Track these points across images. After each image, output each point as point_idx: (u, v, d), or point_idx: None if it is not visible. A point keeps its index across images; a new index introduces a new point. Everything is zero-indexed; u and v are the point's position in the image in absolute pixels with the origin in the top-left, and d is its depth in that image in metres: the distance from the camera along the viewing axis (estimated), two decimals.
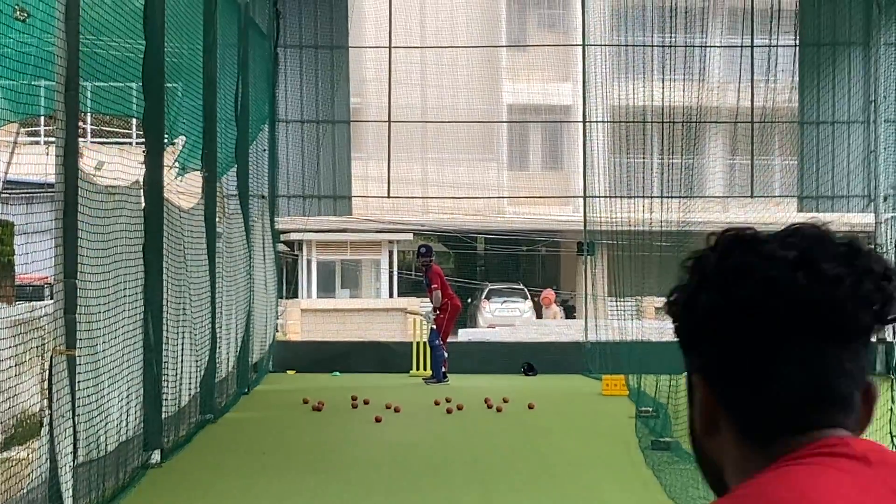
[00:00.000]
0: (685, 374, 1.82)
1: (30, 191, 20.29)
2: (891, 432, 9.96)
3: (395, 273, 42.92)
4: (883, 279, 1.69)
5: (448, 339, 22.84)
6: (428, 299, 22.90)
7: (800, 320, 1.68)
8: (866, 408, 1.75)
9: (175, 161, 14.64)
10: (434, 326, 22.29)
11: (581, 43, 26.46)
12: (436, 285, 22.22)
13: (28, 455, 11.21)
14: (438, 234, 42.54)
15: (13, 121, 10.62)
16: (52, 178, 10.16)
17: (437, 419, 17.44)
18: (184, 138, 15.39)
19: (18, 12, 8.86)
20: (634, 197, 20.93)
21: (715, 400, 1.76)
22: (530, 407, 18.33)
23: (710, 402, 1.77)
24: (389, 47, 26.85)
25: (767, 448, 1.71)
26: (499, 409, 18.12)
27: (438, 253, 51.26)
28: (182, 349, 14.68)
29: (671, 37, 22.92)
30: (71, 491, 9.77)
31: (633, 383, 18.36)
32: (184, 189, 15.40)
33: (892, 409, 10.02)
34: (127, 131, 17.34)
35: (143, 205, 12.71)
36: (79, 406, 10.09)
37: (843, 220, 28.29)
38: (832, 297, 1.67)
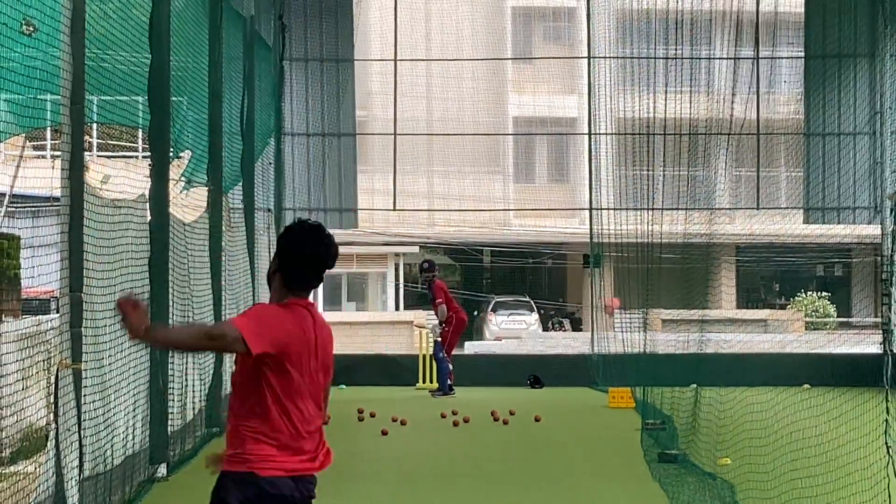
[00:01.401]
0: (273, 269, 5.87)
1: (36, 204, 20.33)
2: (886, 443, 9.95)
3: (402, 286, 42.91)
4: (332, 255, 6.03)
5: (454, 352, 22.81)
6: (434, 313, 22.88)
7: (307, 261, 5.92)
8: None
9: (181, 175, 14.62)
10: (439, 339, 22.28)
11: (586, 55, 26.44)
12: (440, 299, 22.20)
13: (35, 469, 11.20)
14: (444, 247, 42.56)
15: (18, 133, 10.61)
16: (57, 192, 10.15)
17: (443, 432, 17.41)
18: (189, 152, 15.39)
19: (25, 26, 8.87)
20: (640, 209, 20.91)
21: (278, 272, 5.94)
22: (537, 419, 18.30)
23: (279, 277, 5.93)
24: (395, 60, 26.87)
25: (289, 293, 5.90)
26: (505, 422, 18.09)
27: (444, 265, 51.26)
28: (187, 363, 14.68)
29: (676, 49, 22.93)
30: None
31: (640, 395, 18.32)
32: (187, 202, 15.39)
33: (886, 421, 10.02)
34: (133, 145, 17.33)
35: (149, 218, 12.70)
36: (85, 420, 10.08)
37: (849, 231, 28.28)
38: (329, 254, 6.00)
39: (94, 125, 10.90)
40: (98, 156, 15.66)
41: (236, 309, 18.40)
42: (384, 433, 16.75)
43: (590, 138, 26.12)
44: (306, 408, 5.74)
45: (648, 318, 21.50)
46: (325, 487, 12.77)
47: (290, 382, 5.68)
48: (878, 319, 26.08)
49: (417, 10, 31.43)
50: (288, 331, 5.68)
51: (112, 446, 11.22)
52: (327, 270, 5.96)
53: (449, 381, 22.02)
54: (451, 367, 22.15)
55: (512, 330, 39.48)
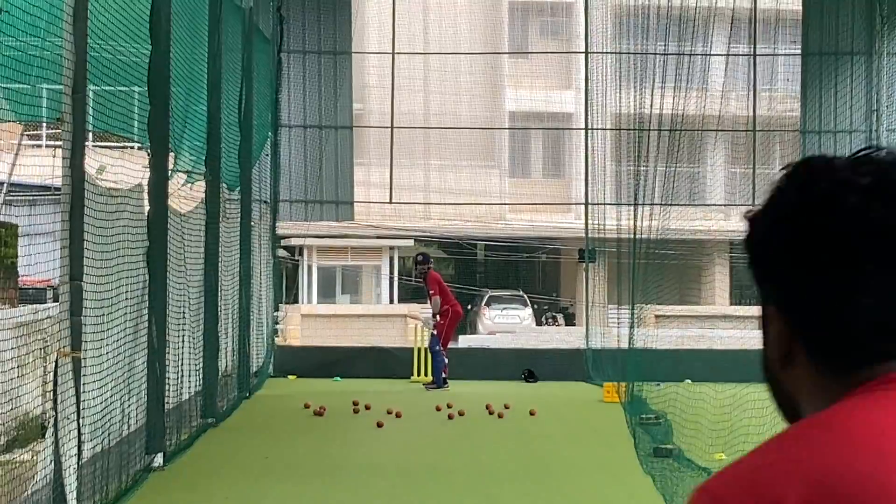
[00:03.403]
0: (760, 306, 1.78)
1: (33, 194, 20.33)
2: None
3: (396, 279, 42.93)
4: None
5: (449, 346, 22.85)
6: (429, 305, 22.92)
7: (876, 249, 1.65)
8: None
9: (175, 165, 14.62)
10: (434, 332, 22.31)
11: (583, 50, 26.47)
12: (433, 291, 22.24)
13: (31, 457, 11.23)
14: (439, 241, 42.55)
15: (15, 120, 10.63)
16: (56, 181, 10.17)
17: (438, 425, 17.45)
18: (188, 143, 15.41)
19: None
20: (636, 204, 20.94)
21: (791, 331, 1.73)
22: (531, 413, 18.34)
23: (785, 334, 1.74)
24: (392, 53, 26.89)
25: (842, 378, 1.69)
26: (500, 416, 18.13)
27: (439, 259, 51.27)
28: (183, 353, 14.71)
29: (674, 45, 22.95)
30: (75, 493, 9.78)
31: (633, 391, 18.35)
32: (183, 193, 15.41)
33: None
34: (130, 134, 17.35)
35: (147, 208, 12.73)
36: (84, 408, 10.10)
37: None
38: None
39: (91, 114, 10.92)
40: (94, 146, 15.66)
41: (231, 301, 18.43)
42: (379, 425, 16.78)
43: (586, 133, 26.16)
44: None
45: (643, 313, 21.53)
46: (321, 479, 12.82)
47: None
48: None
49: (415, 3, 31.41)
50: None
51: (109, 435, 11.25)
52: None
53: (444, 375, 22.06)
54: (446, 360, 22.19)
55: (506, 324, 39.50)
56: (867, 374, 1.67)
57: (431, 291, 22.27)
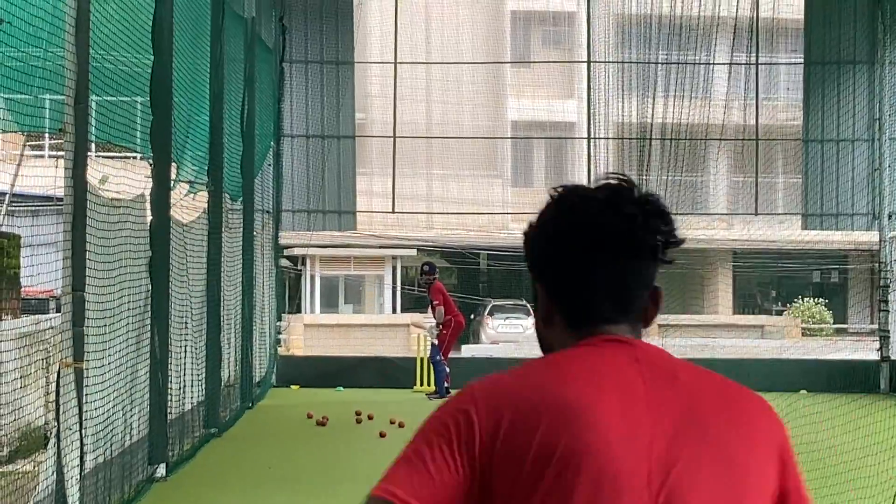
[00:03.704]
0: (533, 286, 2.58)
1: (36, 204, 20.35)
2: None
3: (399, 288, 42.92)
4: (664, 217, 2.46)
5: (450, 355, 22.83)
6: (432, 315, 22.91)
7: (607, 245, 2.44)
8: (653, 304, 2.56)
9: (177, 175, 14.62)
10: (435, 342, 22.30)
11: (586, 60, 26.48)
12: (437, 301, 22.24)
13: (33, 468, 11.21)
14: (442, 250, 42.55)
15: (18, 131, 10.64)
16: (58, 192, 10.16)
17: None
18: (191, 153, 15.42)
19: None
20: None
21: (550, 300, 2.54)
22: None
23: (546, 302, 2.55)
24: (395, 63, 26.90)
25: (578, 334, 2.49)
26: None
27: (441, 269, 51.26)
28: (185, 363, 14.70)
29: (676, 54, 22.97)
30: None
31: None
32: (186, 203, 15.41)
33: None
34: (132, 145, 17.39)
35: (150, 218, 12.73)
36: (86, 419, 10.09)
37: (846, 237, 28.31)
38: (628, 228, 2.43)
39: (94, 124, 10.92)
40: (97, 156, 15.68)
41: (234, 311, 18.42)
42: (382, 435, 16.76)
43: (588, 143, 26.16)
44: None
45: None
46: (324, 489, 12.80)
47: None
48: (875, 326, 26.12)
49: (417, 13, 31.45)
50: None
51: (112, 446, 11.24)
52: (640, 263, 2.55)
53: (446, 384, 22.05)
54: (448, 369, 22.18)
55: (508, 334, 39.50)
56: (590, 331, 2.48)
57: (436, 302, 22.27)
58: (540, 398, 2.32)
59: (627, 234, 2.42)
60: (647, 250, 2.44)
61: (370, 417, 18.57)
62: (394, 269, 42.77)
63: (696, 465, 2.29)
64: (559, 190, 2.51)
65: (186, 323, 14.75)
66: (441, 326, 22.22)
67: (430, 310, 22.81)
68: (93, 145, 11.59)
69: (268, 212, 22.72)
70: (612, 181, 2.47)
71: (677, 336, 27.96)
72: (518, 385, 2.38)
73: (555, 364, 2.42)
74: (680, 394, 2.39)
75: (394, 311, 42.12)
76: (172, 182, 13.72)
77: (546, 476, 2.27)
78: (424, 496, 2.37)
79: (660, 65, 22.48)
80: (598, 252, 2.44)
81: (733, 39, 25.36)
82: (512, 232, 37.62)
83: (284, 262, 29.60)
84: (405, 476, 2.47)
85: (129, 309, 11.91)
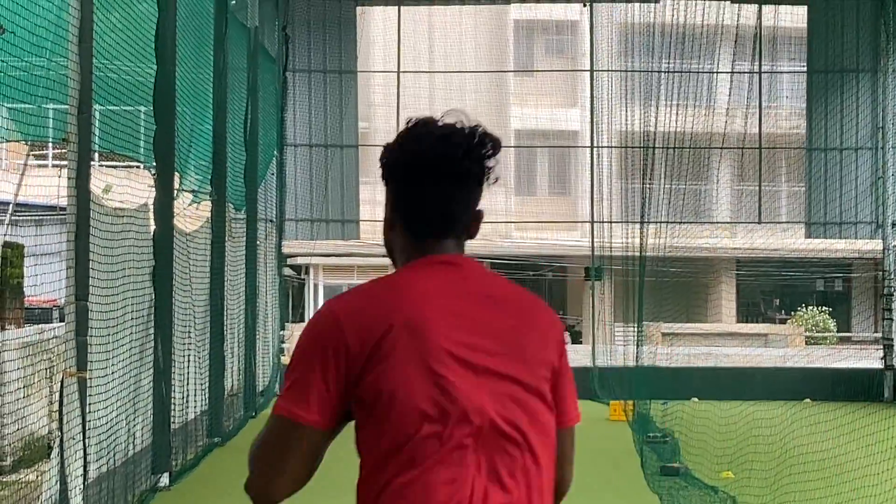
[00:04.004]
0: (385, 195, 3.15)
1: (39, 213, 20.36)
2: None
3: None
4: (485, 146, 3.07)
5: None
6: None
7: (437, 171, 3.05)
8: (475, 222, 3.16)
9: (180, 184, 14.63)
10: None
11: (589, 68, 26.50)
12: None
13: (37, 477, 11.21)
14: None
15: (21, 140, 10.64)
16: (62, 201, 10.16)
17: None
18: (194, 163, 15.43)
19: None
20: (642, 222, 20.95)
21: (394, 211, 3.14)
22: None
23: (391, 212, 3.16)
24: (398, 72, 26.91)
25: (415, 243, 3.12)
26: None
27: None
28: (189, 372, 14.70)
29: (679, 62, 22.96)
30: None
31: (639, 409, 18.32)
32: (189, 212, 15.42)
33: None
34: (136, 154, 17.43)
35: (153, 228, 12.73)
36: (89, 428, 10.09)
37: (850, 246, 28.29)
38: (454, 155, 3.03)
39: (97, 134, 10.94)
40: (100, 165, 15.69)
41: (237, 321, 18.42)
42: None
43: (592, 151, 26.16)
44: None
45: (648, 331, 21.50)
46: (329, 498, 12.79)
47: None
48: (879, 334, 26.10)
49: (420, 22, 31.45)
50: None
51: (115, 455, 11.23)
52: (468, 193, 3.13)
53: None
54: None
55: None
56: (423, 245, 3.11)
57: None
58: (389, 317, 2.90)
59: (454, 162, 3.03)
60: (471, 177, 3.06)
61: None
62: None
63: (504, 352, 3.01)
64: (412, 121, 3.16)
65: (190, 332, 14.75)
66: None
67: None
68: (96, 155, 11.59)
69: (271, 221, 22.73)
70: (451, 119, 3.10)
71: (681, 344, 27.94)
72: (373, 307, 2.93)
73: (397, 288, 2.99)
74: (494, 305, 3.05)
75: None
76: (176, 191, 13.72)
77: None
78: (318, 410, 2.94)
79: (662, 73, 22.44)
80: (430, 176, 3.05)
81: (735, 48, 25.36)
82: (515, 241, 37.62)
83: (288, 272, 29.60)
84: (300, 397, 2.94)
85: (132, 318, 11.91)
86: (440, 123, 3.10)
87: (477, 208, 3.14)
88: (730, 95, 25.36)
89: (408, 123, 3.15)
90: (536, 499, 3.10)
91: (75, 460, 9.72)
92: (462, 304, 2.99)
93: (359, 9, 25.42)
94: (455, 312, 2.97)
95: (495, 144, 3.11)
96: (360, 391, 2.90)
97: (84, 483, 9.91)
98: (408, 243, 3.12)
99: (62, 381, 9.74)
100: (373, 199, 28.20)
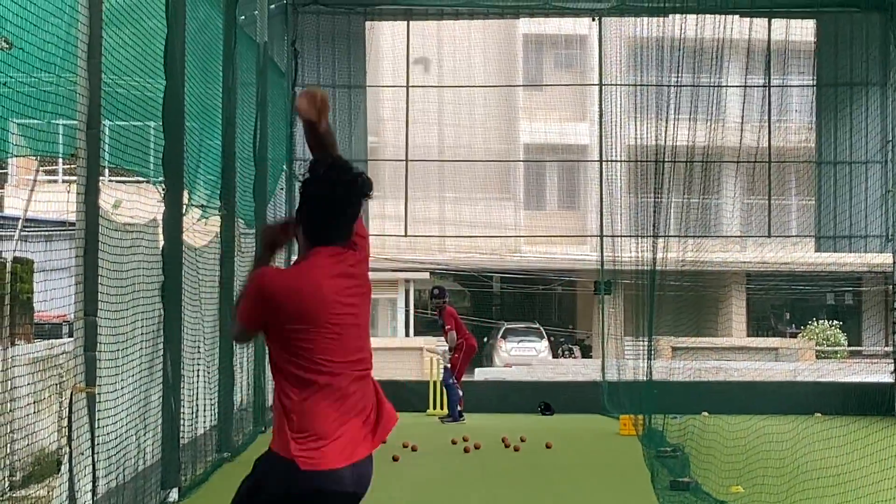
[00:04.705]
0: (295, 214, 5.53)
1: (49, 229, 20.38)
2: None
3: (412, 312, 42.89)
4: (366, 189, 5.47)
5: (464, 379, 22.80)
6: (444, 339, 22.87)
7: (334, 204, 5.45)
8: (359, 236, 5.59)
9: (190, 199, 14.63)
10: (448, 366, 22.26)
11: (598, 82, 26.51)
12: (450, 326, 22.19)
13: (47, 493, 11.20)
14: (455, 273, 42.55)
15: (31, 156, 10.65)
16: (71, 217, 10.18)
17: (454, 458, 17.40)
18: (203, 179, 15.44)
19: (2, 42, 8.87)
20: (651, 236, 20.93)
21: (302, 223, 5.53)
22: (548, 446, 18.28)
23: (298, 227, 5.55)
24: (407, 86, 26.94)
25: (310, 247, 5.53)
26: (516, 449, 18.07)
27: (454, 292, 51.20)
28: (198, 387, 14.70)
29: (688, 76, 22.95)
30: None
31: (650, 423, 18.29)
32: (198, 227, 15.43)
33: None
34: (145, 170, 17.46)
35: (162, 243, 12.74)
36: (98, 443, 10.09)
37: (860, 259, 28.24)
38: (344, 194, 5.44)
39: (106, 149, 10.95)
40: (110, 180, 15.71)
41: None
42: (395, 459, 16.74)
43: (601, 165, 26.16)
44: None
45: (658, 345, 21.46)
46: None
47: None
48: (889, 348, 26.04)
49: (429, 36, 31.51)
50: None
51: (124, 470, 11.23)
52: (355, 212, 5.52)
53: (459, 408, 22.02)
54: (461, 393, 22.15)
55: (522, 357, 39.45)
56: (317, 248, 5.51)
57: (448, 326, 22.22)
58: (295, 285, 5.41)
59: (344, 199, 5.43)
60: (355, 206, 5.42)
61: (383, 441, 18.52)
62: (407, 292, 42.76)
63: (353, 308, 5.55)
64: (323, 163, 5.61)
65: (199, 347, 14.76)
66: (453, 350, 22.18)
67: (442, 333, 22.76)
68: (106, 170, 11.61)
69: None
70: (345, 166, 5.51)
71: (691, 358, 27.91)
72: (287, 279, 5.46)
73: (301, 268, 5.48)
74: (348, 274, 5.55)
75: (407, 334, 42.10)
76: (185, 206, 13.73)
77: (297, 324, 5.41)
78: (257, 327, 5.55)
79: (672, 87, 22.43)
80: (329, 207, 5.45)
81: (746, 62, 25.36)
82: (525, 255, 37.62)
83: None
84: (247, 318, 5.56)
85: (141, 333, 11.92)
86: (338, 168, 5.52)
87: (357, 223, 5.62)
88: (743, 110, 25.36)
89: (317, 166, 5.59)
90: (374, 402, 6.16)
91: (84, 475, 9.72)
92: (336, 273, 5.50)
93: (368, 23, 25.46)
94: (330, 279, 5.47)
95: (371, 188, 5.53)
96: (276, 327, 5.58)
97: (93, 499, 9.91)
98: (306, 247, 5.58)
99: (71, 396, 9.74)
100: (382, 214, 28.23)
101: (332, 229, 5.46)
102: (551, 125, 34.65)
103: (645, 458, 15.88)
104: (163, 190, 12.89)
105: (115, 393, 10.81)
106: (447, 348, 22.56)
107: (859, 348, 42.16)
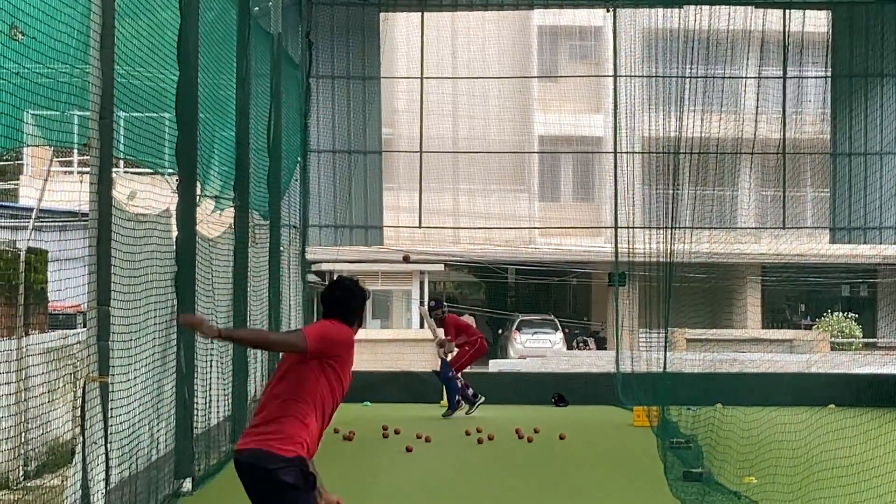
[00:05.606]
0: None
1: (63, 219, 20.43)
2: None
3: (426, 303, 42.87)
4: (361, 299, 7.57)
5: (478, 370, 22.68)
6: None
7: (339, 301, 7.49)
8: (360, 309, 7.62)
9: (203, 190, 14.63)
10: (447, 359, 21.95)
11: (612, 74, 26.46)
12: (450, 337, 22.01)
13: (60, 483, 11.24)
14: (469, 265, 42.55)
15: (46, 146, 10.66)
16: (84, 207, 10.19)
17: (467, 449, 17.41)
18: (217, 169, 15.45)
19: (14, 31, 8.86)
20: (666, 228, 20.90)
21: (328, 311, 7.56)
22: (561, 437, 18.28)
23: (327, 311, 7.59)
24: (421, 78, 26.94)
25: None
26: (529, 440, 18.07)
27: (469, 284, 51.18)
28: (211, 378, 14.72)
29: (703, 67, 22.91)
30: None
31: (664, 415, 18.28)
32: (212, 218, 15.44)
33: None
34: (159, 160, 17.47)
35: (176, 233, 12.75)
36: (111, 433, 10.11)
37: (875, 251, 28.17)
38: (349, 299, 7.52)
39: (121, 140, 10.96)
40: (125, 172, 15.73)
41: (260, 326, 18.43)
42: (409, 450, 16.76)
43: (615, 157, 26.12)
44: None
45: (673, 336, 21.44)
46: None
47: None
48: None
49: (444, 28, 31.51)
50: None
51: (138, 460, 11.26)
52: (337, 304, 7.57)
53: (470, 391, 21.85)
54: (462, 381, 21.93)
55: (536, 348, 39.45)
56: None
57: (448, 337, 22.04)
58: (345, 340, 7.39)
59: (347, 299, 7.48)
60: (358, 305, 7.49)
61: (397, 432, 18.57)
62: (421, 284, 42.77)
63: None
64: (343, 280, 7.65)
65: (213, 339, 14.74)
66: (456, 350, 22.00)
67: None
68: (121, 161, 11.62)
69: (294, 227, 22.75)
70: (346, 281, 7.63)
71: (706, 350, 27.88)
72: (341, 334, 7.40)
73: (343, 328, 7.38)
74: None
75: (421, 326, 42.08)
76: (198, 197, 13.74)
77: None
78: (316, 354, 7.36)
79: (687, 79, 22.38)
80: (337, 302, 7.47)
81: (761, 53, 25.29)
82: (539, 246, 37.60)
83: (312, 278, 29.63)
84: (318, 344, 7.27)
85: (154, 323, 11.94)
86: (344, 282, 7.56)
87: (360, 312, 7.54)
88: (757, 101, 25.29)
89: (339, 279, 7.65)
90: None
91: (98, 465, 9.75)
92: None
93: (382, 15, 25.45)
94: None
95: (365, 297, 7.55)
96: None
97: (106, 488, 9.93)
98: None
99: (84, 386, 9.76)
100: (396, 206, 28.24)
101: (342, 312, 7.62)
102: (566, 116, 34.65)
103: (658, 449, 15.88)
104: (176, 181, 12.89)
105: (128, 383, 10.83)
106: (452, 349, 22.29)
107: (874, 340, 42.08)
